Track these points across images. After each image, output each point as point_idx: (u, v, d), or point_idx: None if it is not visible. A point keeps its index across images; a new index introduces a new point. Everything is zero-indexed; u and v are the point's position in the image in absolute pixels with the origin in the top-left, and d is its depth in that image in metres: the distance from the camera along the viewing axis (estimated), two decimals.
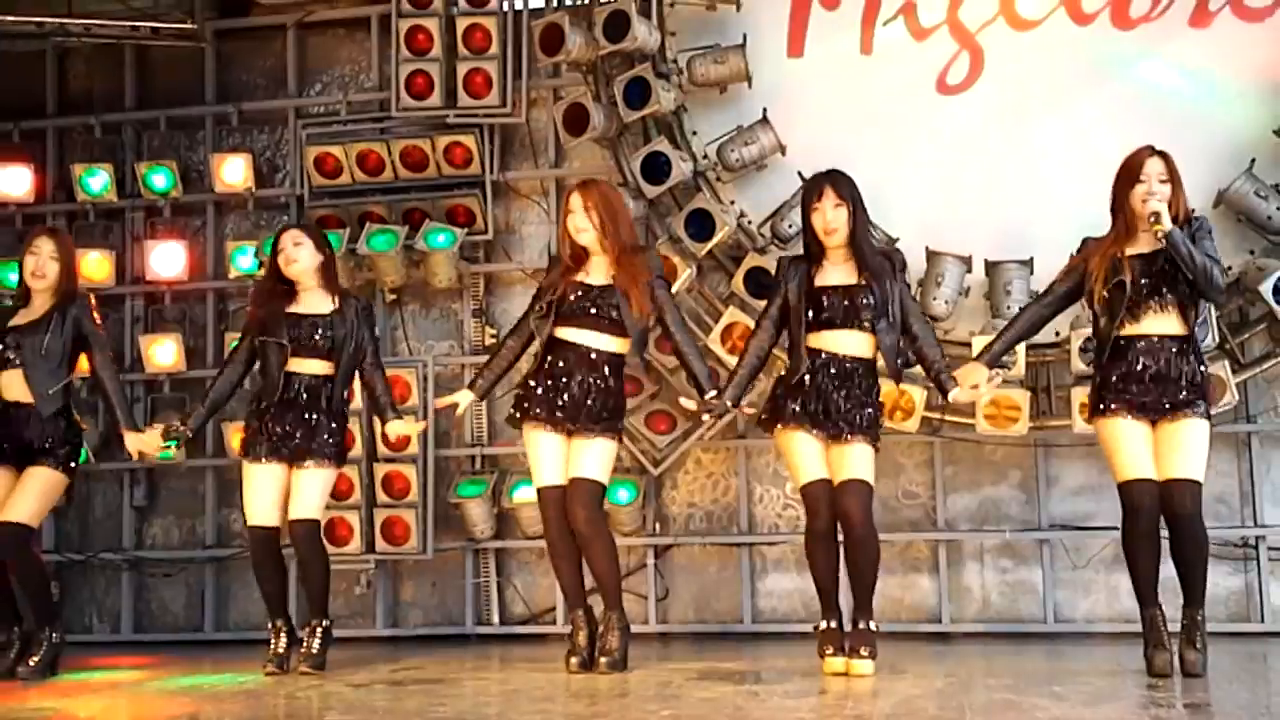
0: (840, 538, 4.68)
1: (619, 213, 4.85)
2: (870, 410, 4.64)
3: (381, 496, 6.06)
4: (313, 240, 5.14)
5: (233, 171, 6.47)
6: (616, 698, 4.31)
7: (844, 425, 4.59)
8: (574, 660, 4.80)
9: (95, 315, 5.19)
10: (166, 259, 6.50)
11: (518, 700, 4.33)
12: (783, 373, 4.76)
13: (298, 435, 4.99)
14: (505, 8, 6.28)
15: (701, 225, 5.80)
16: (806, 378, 4.60)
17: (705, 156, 5.96)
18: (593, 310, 4.77)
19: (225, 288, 6.52)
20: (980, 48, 5.91)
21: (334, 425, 5.06)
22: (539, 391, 4.79)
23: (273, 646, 5.04)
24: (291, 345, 5.01)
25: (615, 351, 4.82)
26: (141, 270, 6.57)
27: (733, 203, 5.95)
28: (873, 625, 4.63)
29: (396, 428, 5.15)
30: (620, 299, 4.74)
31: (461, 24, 6.23)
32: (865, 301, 4.58)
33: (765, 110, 5.87)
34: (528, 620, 6.25)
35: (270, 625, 5.07)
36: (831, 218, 4.62)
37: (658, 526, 6.13)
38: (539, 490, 4.87)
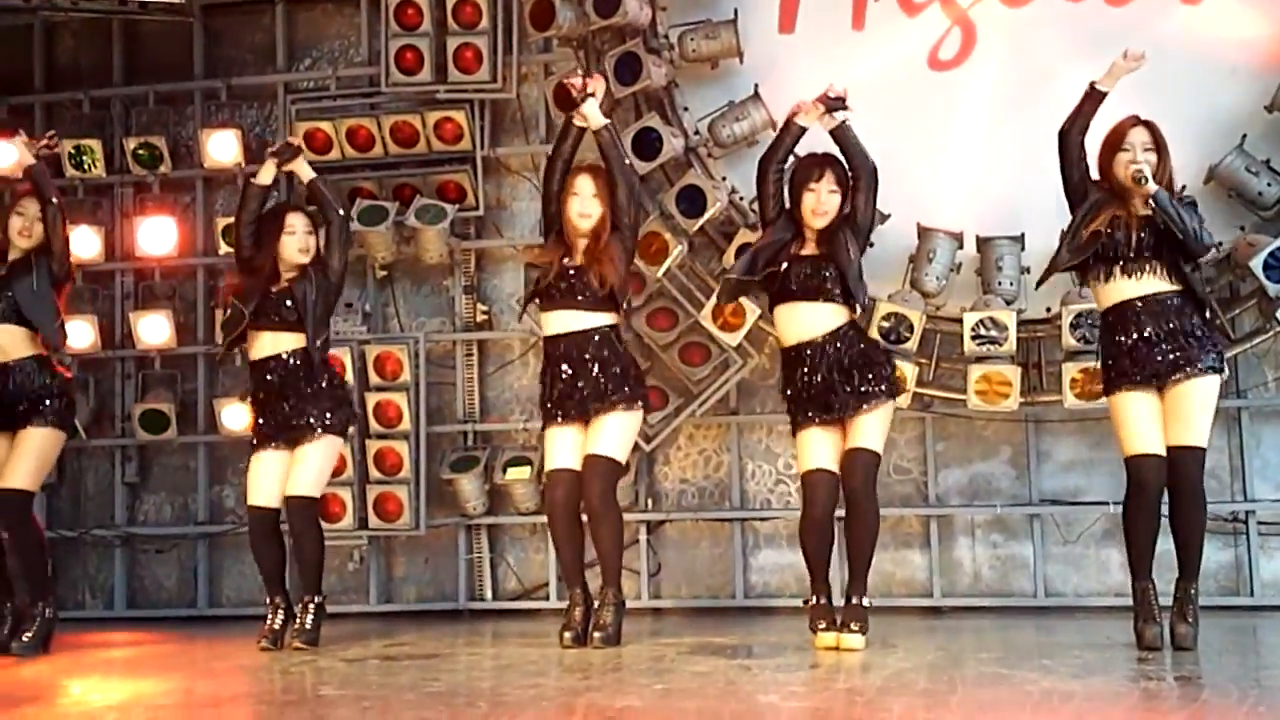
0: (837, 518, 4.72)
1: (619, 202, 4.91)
2: (871, 376, 4.65)
3: (374, 473, 6.07)
4: (315, 230, 5.15)
5: (222, 147, 6.44)
6: (609, 672, 4.33)
7: (850, 404, 4.63)
8: (567, 635, 4.83)
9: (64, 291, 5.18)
10: (156, 235, 6.47)
11: (511, 675, 4.36)
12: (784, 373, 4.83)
13: (293, 419, 5.00)
14: None
15: (693, 201, 5.78)
16: (795, 375, 4.69)
17: (697, 133, 5.95)
18: (573, 289, 4.82)
19: (215, 264, 6.49)
20: (972, 24, 5.89)
21: (326, 394, 5.04)
22: (550, 392, 4.89)
23: (269, 622, 5.05)
24: (260, 321, 4.99)
25: (606, 324, 4.86)
26: (131, 246, 6.54)
27: (724, 179, 5.94)
28: (866, 601, 4.66)
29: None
30: (589, 275, 4.80)
31: None
32: (829, 273, 4.65)
33: (757, 86, 5.86)
34: (520, 596, 6.27)
35: (268, 601, 5.08)
36: (825, 199, 4.69)
37: (650, 502, 6.15)
38: (549, 472, 4.92)
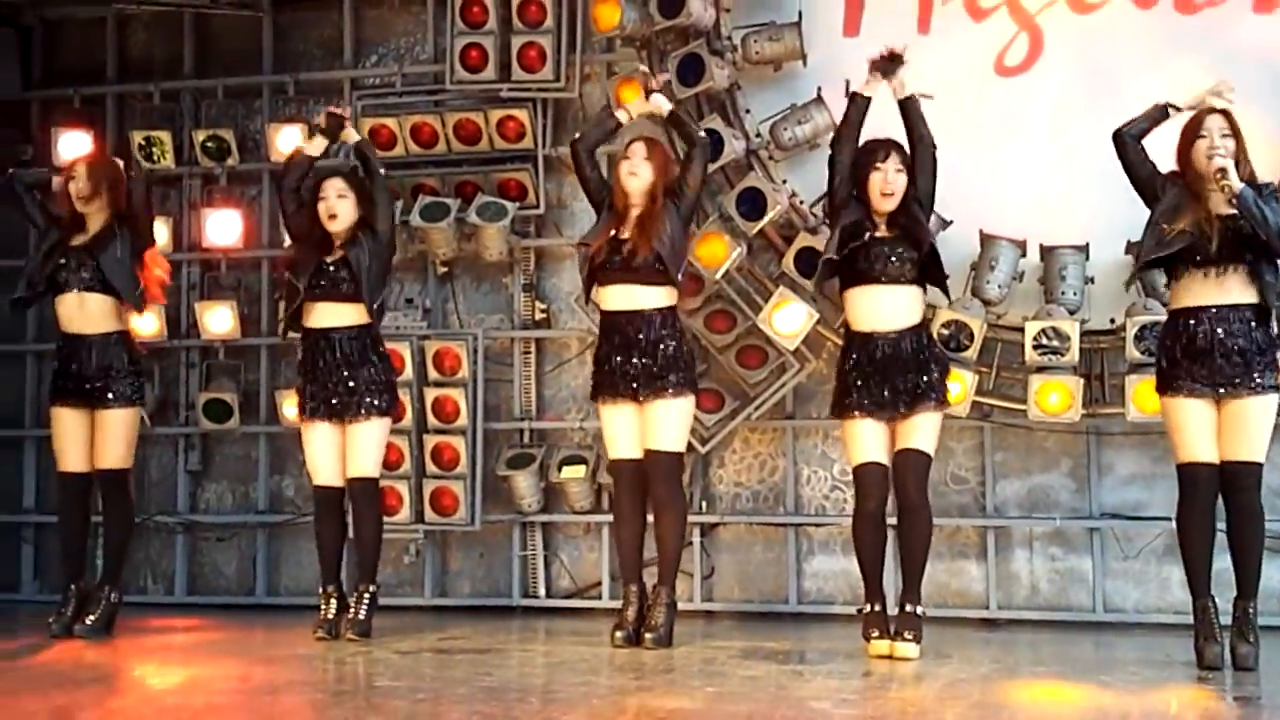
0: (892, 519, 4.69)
1: (673, 176, 4.97)
2: (935, 375, 4.65)
3: (431, 467, 6.11)
4: (356, 193, 5.20)
5: (288, 141, 6.50)
6: (661, 672, 4.34)
7: (905, 399, 4.61)
8: (619, 634, 4.84)
9: (148, 263, 5.32)
10: (222, 227, 6.56)
11: (562, 672, 4.38)
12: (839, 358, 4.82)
13: (341, 392, 5.08)
14: None
15: (753, 204, 5.77)
16: (859, 360, 4.67)
17: (758, 135, 5.93)
18: (627, 262, 4.83)
19: (280, 256, 6.56)
20: (1040, 30, 5.83)
21: (376, 375, 5.12)
22: (604, 368, 4.91)
23: (323, 611, 5.12)
24: (315, 293, 5.08)
25: (664, 305, 4.87)
26: (198, 238, 6.64)
27: (785, 182, 5.92)
28: (919, 610, 4.63)
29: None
30: (638, 247, 4.80)
31: None
32: (906, 253, 4.65)
33: (820, 89, 5.83)
34: (573, 595, 6.29)
35: (321, 590, 5.16)
36: (893, 179, 4.69)
37: (704, 505, 6.14)
38: (611, 462, 5.00)
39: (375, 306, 5.15)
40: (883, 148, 4.75)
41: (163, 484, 6.68)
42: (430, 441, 6.12)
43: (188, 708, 3.83)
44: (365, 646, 4.92)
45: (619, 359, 4.86)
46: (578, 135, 5.14)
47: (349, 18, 6.69)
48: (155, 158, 6.62)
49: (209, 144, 6.60)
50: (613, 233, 4.89)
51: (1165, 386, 4.49)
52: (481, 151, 6.33)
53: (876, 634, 4.62)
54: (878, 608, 4.66)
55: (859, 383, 4.66)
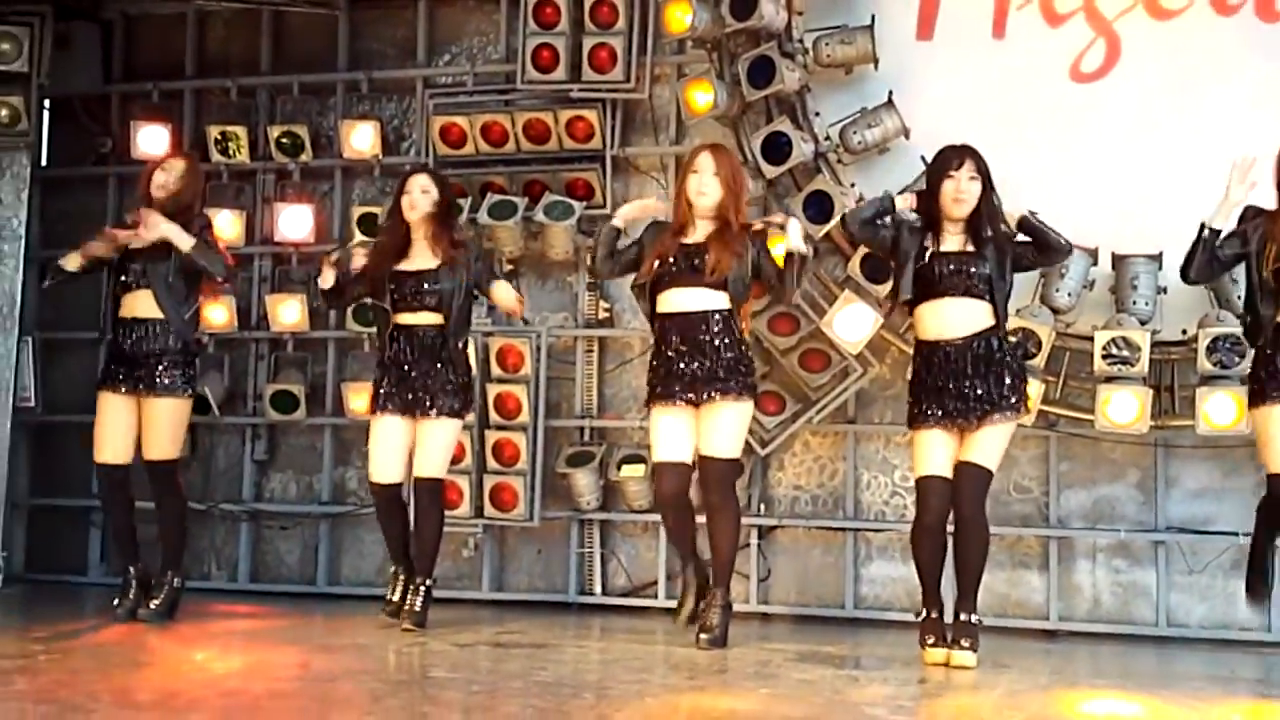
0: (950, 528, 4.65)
1: (743, 186, 4.95)
2: (1007, 382, 4.59)
3: (491, 463, 6.16)
4: (439, 190, 5.26)
5: (361, 138, 6.60)
6: (715, 673, 4.34)
7: (977, 407, 4.57)
8: (684, 612, 4.90)
9: (213, 235, 5.34)
10: (294, 221, 6.65)
11: (617, 670, 4.39)
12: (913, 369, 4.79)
13: (416, 389, 5.12)
14: None
15: (820, 207, 5.75)
16: (926, 369, 4.64)
17: (827, 138, 5.91)
18: (692, 267, 4.78)
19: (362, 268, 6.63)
20: (1117, 36, 5.75)
21: (451, 377, 5.16)
22: (661, 371, 4.84)
23: (390, 590, 5.25)
24: (398, 302, 5.15)
25: (725, 308, 4.80)
26: (270, 231, 6.74)
27: (853, 185, 5.89)
28: (975, 618, 4.59)
29: (501, 289, 5.30)
30: (710, 252, 4.76)
31: None
32: (978, 270, 4.61)
33: (891, 93, 5.79)
34: (629, 593, 6.30)
35: (392, 571, 5.29)
36: (966, 187, 4.65)
37: (762, 507, 6.12)
38: (656, 463, 4.89)
39: (459, 344, 5.24)
40: (956, 155, 4.71)
41: (229, 472, 6.78)
42: (492, 437, 6.16)
43: (248, 692, 3.89)
44: (422, 638, 4.97)
45: (678, 362, 4.79)
46: (590, 263, 5.20)
47: (423, 17, 6.76)
48: (230, 152, 6.74)
49: (283, 140, 6.70)
50: (682, 240, 4.85)
51: (1259, 396, 4.51)
52: (550, 151, 6.36)
53: (933, 641, 4.60)
54: (934, 614, 4.64)
55: (928, 393, 4.63)
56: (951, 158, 4.71)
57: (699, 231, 4.88)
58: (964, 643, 4.53)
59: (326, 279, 5.27)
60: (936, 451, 4.60)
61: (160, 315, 5.18)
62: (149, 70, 7.06)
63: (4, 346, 6.27)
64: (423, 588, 5.18)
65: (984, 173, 4.68)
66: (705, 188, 4.84)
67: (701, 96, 5.87)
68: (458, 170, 6.44)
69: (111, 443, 5.20)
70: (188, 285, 5.27)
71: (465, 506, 6.13)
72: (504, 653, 4.77)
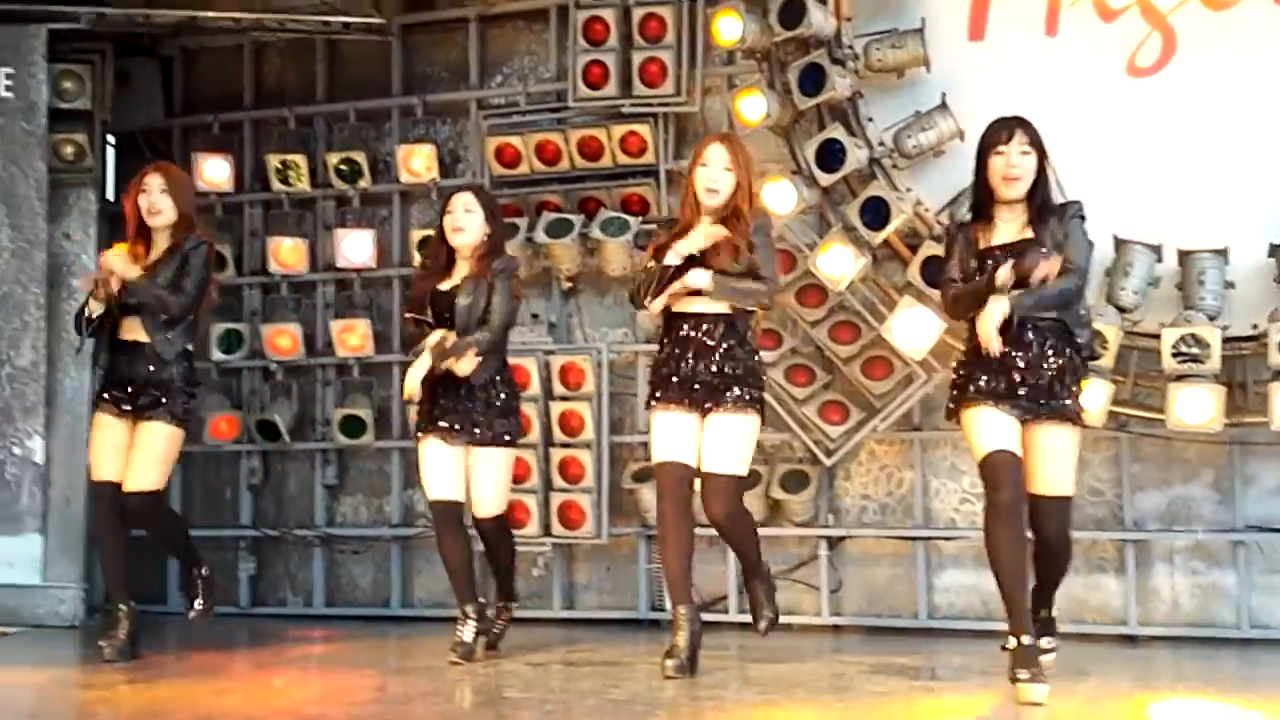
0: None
1: (754, 177, 4.65)
2: (1067, 381, 4.08)
3: (557, 481, 6.18)
4: (484, 210, 4.98)
5: (418, 162, 6.66)
6: (788, 688, 4.32)
7: (1040, 401, 4.06)
8: (670, 663, 4.36)
9: (206, 259, 5.03)
10: (356, 247, 6.73)
11: (690, 686, 4.38)
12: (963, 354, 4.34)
13: (459, 412, 4.85)
14: None
15: (876, 213, 5.71)
16: (977, 352, 4.12)
17: (881, 143, 5.87)
18: (709, 266, 4.45)
19: (411, 275, 6.70)
20: (1172, 29, 5.66)
21: (494, 402, 4.87)
22: (664, 372, 4.54)
23: (459, 633, 4.87)
24: (436, 323, 4.88)
25: (727, 312, 4.49)
26: (332, 258, 6.82)
27: (909, 190, 5.85)
28: (1054, 612, 4.26)
29: (450, 364, 4.80)
30: (712, 263, 4.42)
31: (638, 14, 6.27)
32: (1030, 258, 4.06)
33: (944, 95, 5.75)
34: (700, 608, 6.25)
35: (460, 612, 4.92)
36: (1017, 162, 4.17)
37: (831, 518, 6.09)
38: (656, 464, 4.54)
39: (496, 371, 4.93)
40: (1005, 128, 4.21)
41: (301, 498, 6.87)
42: (556, 455, 6.19)
43: (326, 717, 3.94)
44: (495, 658, 4.99)
45: (687, 363, 4.47)
46: (632, 297, 4.72)
47: (474, 39, 6.81)
48: (291, 181, 6.83)
49: (342, 166, 6.78)
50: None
51: None
52: (604, 167, 6.39)
53: (1027, 676, 3.89)
54: (1026, 642, 3.93)
55: (979, 373, 4.10)
56: (1000, 131, 4.22)
57: (703, 229, 4.53)
58: (1042, 642, 4.06)
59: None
60: (998, 426, 4.02)
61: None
62: (208, 103, 7.18)
63: (79, 381, 6.38)
64: (506, 611, 5.14)
65: (1038, 145, 4.22)
66: (716, 183, 4.50)
67: (753, 108, 5.86)
68: (513, 190, 6.50)
69: (113, 462, 4.96)
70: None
71: (533, 526, 6.15)
72: (576, 671, 4.79)
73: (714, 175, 4.50)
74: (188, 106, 7.25)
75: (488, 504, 4.97)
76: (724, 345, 4.48)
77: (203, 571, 5.20)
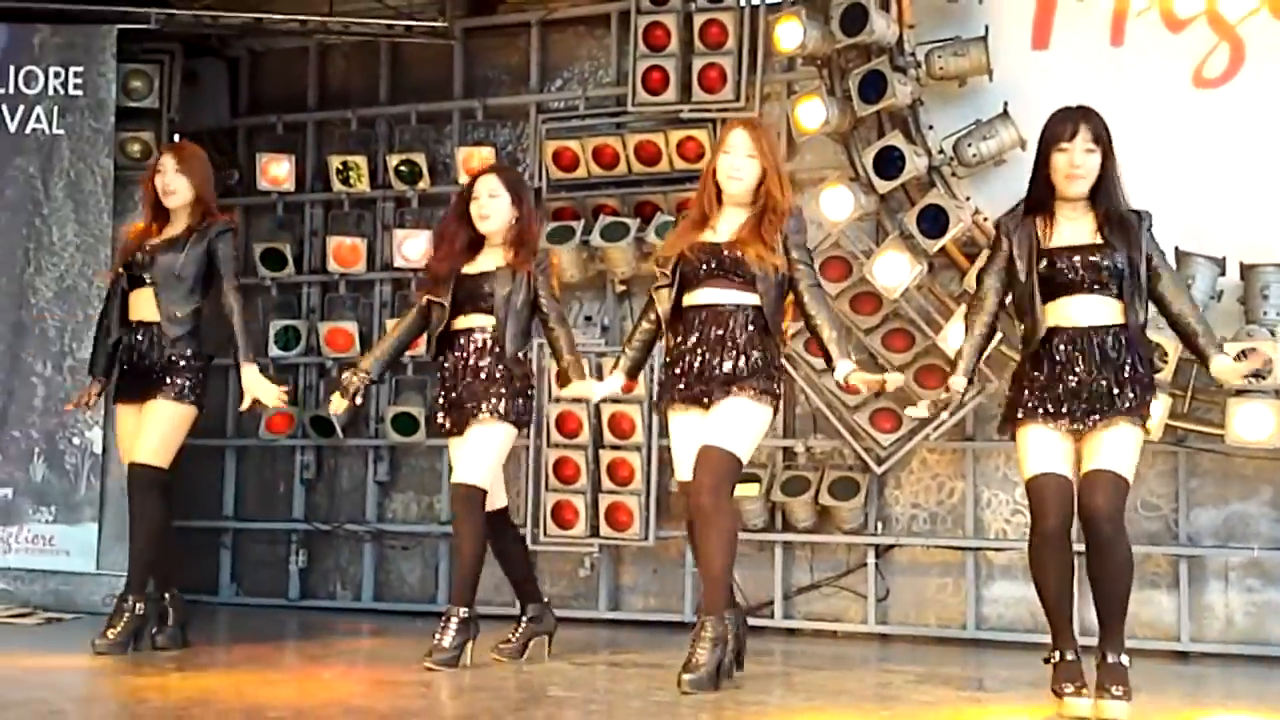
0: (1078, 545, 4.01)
1: (781, 164, 4.41)
2: (1135, 386, 3.88)
3: (606, 482, 6.20)
4: (510, 193, 4.77)
5: (477, 164, 6.69)
6: (833, 694, 4.30)
7: (1098, 406, 3.88)
8: (687, 678, 4.09)
9: (234, 245, 4.99)
10: (414, 248, 6.78)
11: (735, 692, 4.36)
12: (1017, 359, 4.23)
13: (468, 395, 4.66)
14: (742, 2, 6.31)
15: (934, 221, 5.68)
16: (1045, 362, 3.96)
17: (940, 151, 5.84)
18: (722, 268, 4.24)
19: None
20: (1241, 40, 5.59)
21: (505, 383, 4.66)
22: (675, 370, 4.33)
23: (438, 639, 4.59)
24: (456, 305, 4.69)
25: (749, 304, 4.24)
26: (390, 258, 6.89)
27: (968, 199, 5.81)
28: (1124, 659, 3.84)
29: (570, 389, 4.74)
30: (744, 254, 4.21)
31: (699, 20, 6.29)
32: (1108, 265, 3.91)
33: (1006, 104, 5.71)
34: (746, 612, 6.25)
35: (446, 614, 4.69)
36: (1080, 161, 3.95)
37: (880, 526, 6.06)
38: (680, 483, 4.37)
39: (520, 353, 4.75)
40: (1069, 121, 4.00)
41: (353, 494, 6.94)
42: (606, 457, 6.21)
43: (374, 711, 3.97)
44: (534, 661, 4.99)
45: (697, 357, 4.23)
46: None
47: (535, 43, 6.87)
48: (351, 181, 6.91)
49: (402, 168, 6.85)
50: (709, 238, 4.31)
51: None
52: (661, 172, 6.40)
53: (1070, 690, 3.84)
54: (1069, 656, 3.87)
55: (1036, 386, 3.94)
56: (1063, 124, 4.00)
57: (727, 223, 4.33)
58: (1114, 690, 3.77)
59: (339, 406, 4.90)
60: (1049, 447, 3.89)
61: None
62: (273, 103, 7.29)
63: None
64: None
65: (1103, 141, 3.98)
66: (739, 170, 4.26)
67: (812, 114, 5.84)
68: (570, 193, 6.54)
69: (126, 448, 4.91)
70: (198, 277, 4.90)
71: (581, 526, 6.18)
72: (621, 672, 4.79)
73: (736, 163, 4.29)
74: (253, 106, 7.37)
75: (466, 469, 4.61)
76: (739, 337, 4.23)
77: (136, 608, 4.79)
